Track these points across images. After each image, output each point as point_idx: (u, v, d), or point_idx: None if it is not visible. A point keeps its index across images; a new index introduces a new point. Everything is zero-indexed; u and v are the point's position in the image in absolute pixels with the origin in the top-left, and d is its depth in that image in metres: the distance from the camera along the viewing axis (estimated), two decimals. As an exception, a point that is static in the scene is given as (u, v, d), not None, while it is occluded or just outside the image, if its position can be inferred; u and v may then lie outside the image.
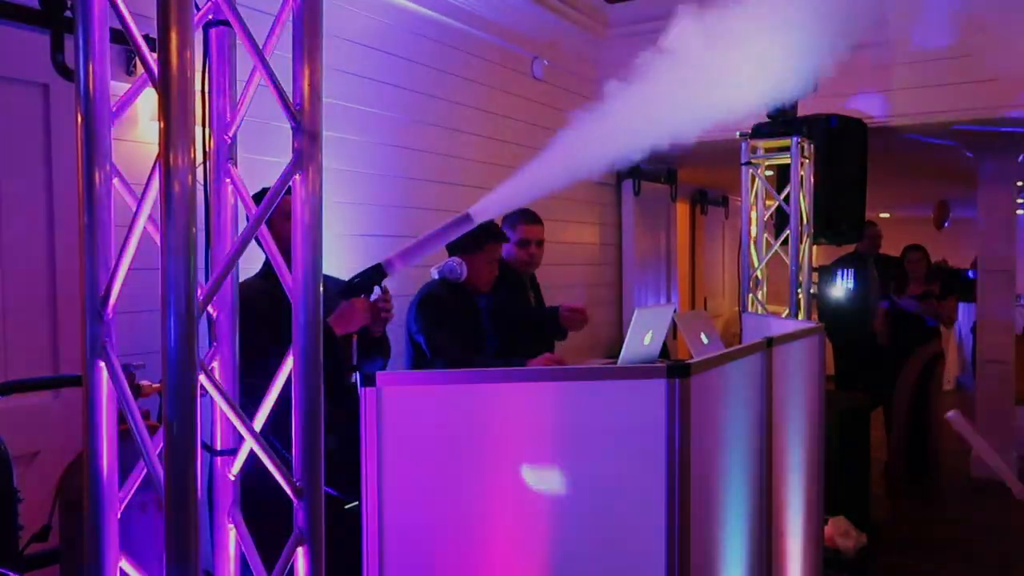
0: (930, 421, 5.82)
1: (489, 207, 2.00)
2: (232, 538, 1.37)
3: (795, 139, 4.26)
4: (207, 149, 1.34)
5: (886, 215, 11.02)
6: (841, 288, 5.89)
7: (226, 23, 1.32)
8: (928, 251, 6.01)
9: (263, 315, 2.07)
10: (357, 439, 1.75)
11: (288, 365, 1.33)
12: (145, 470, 1.25)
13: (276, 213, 2.02)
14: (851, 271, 5.89)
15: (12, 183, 2.60)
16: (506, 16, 4.94)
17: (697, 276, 8.61)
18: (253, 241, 1.30)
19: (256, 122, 2.71)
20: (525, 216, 3.43)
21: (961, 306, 9.52)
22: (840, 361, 5.98)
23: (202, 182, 1.27)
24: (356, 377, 2.24)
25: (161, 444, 1.13)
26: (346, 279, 2.55)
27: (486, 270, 3.09)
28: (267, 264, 2.46)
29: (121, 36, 1.27)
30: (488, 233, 3.07)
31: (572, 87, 5.72)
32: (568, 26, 5.53)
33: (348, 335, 2.31)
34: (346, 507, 2.12)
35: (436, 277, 3.07)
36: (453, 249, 3.06)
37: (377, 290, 2.33)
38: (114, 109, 1.27)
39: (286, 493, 1.30)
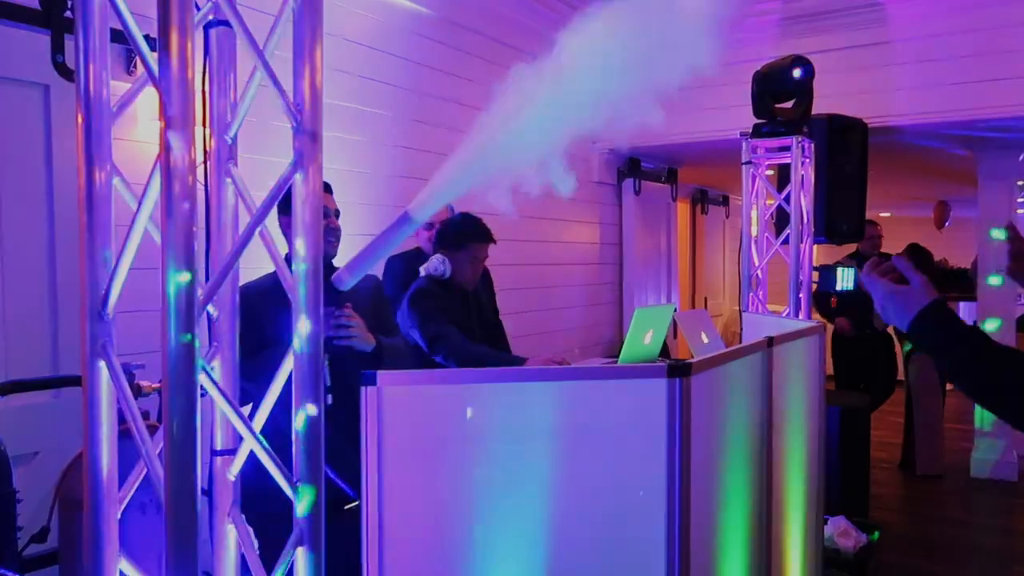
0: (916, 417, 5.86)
1: (428, 202, 1.91)
2: (232, 538, 1.37)
3: (795, 139, 4.26)
4: (207, 149, 1.34)
5: (886, 215, 11.02)
6: (841, 287, 5.88)
7: (226, 23, 1.32)
8: (930, 251, 6.02)
9: (252, 319, 2.06)
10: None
11: (288, 365, 1.33)
12: (145, 470, 1.25)
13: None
14: (852, 271, 5.89)
15: (12, 183, 2.60)
16: (507, 16, 4.94)
17: (697, 276, 8.61)
18: (253, 241, 1.30)
19: (256, 122, 2.71)
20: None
21: (961, 306, 9.54)
22: (840, 361, 5.98)
23: (202, 182, 1.27)
24: (330, 399, 2.22)
25: (161, 444, 1.13)
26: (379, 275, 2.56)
27: (469, 268, 3.13)
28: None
29: (121, 36, 1.27)
30: (470, 233, 3.11)
31: (572, 87, 5.72)
32: (568, 26, 5.52)
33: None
34: (346, 507, 2.12)
35: (423, 275, 3.11)
36: (440, 247, 3.11)
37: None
38: (114, 109, 1.26)
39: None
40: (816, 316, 5.42)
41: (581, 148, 5.81)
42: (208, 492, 1.37)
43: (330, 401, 2.21)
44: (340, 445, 1.89)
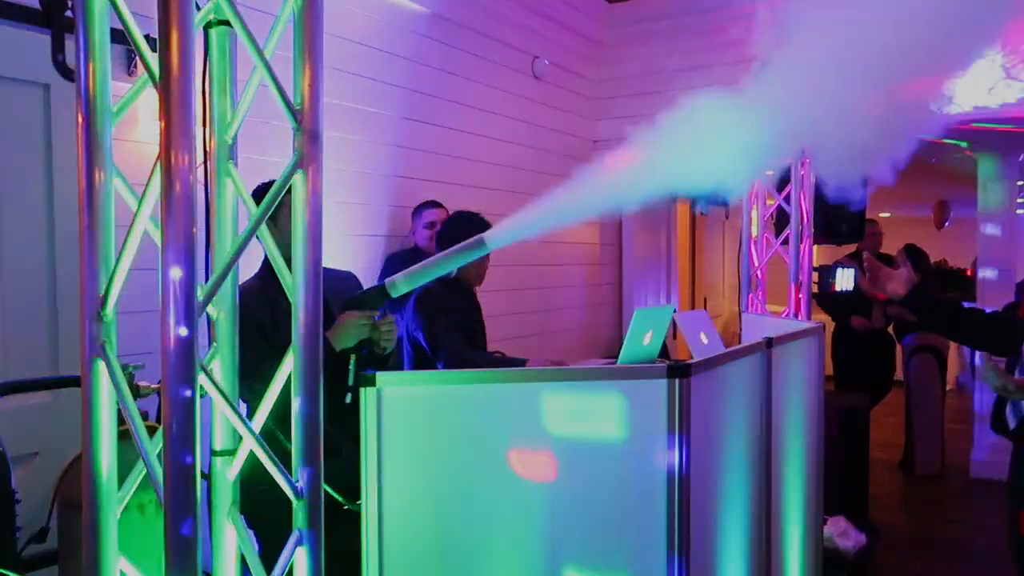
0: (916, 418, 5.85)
1: (504, 234, 1.94)
2: (232, 538, 1.37)
3: (795, 139, 4.26)
4: (207, 149, 1.34)
5: (886, 215, 11.02)
6: (841, 287, 5.88)
7: (226, 23, 1.32)
8: (927, 251, 6.02)
9: (255, 320, 2.06)
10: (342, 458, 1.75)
11: (288, 365, 1.33)
12: (145, 470, 1.25)
13: (284, 211, 2.00)
14: (852, 271, 5.89)
15: (12, 183, 2.60)
16: (507, 15, 4.94)
17: (697, 276, 8.61)
18: (253, 241, 1.30)
19: (256, 122, 2.71)
20: (428, 202, 3.92)
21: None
22: (840, 358, 5.97)
23: (202, 182, 1.27)
24: (349, 397, 2.21)
25: (160, 444, 1.13)
26: (345, 269, 2.56)
27: (475, 265, 3.11)
28: (264, 266, 2.45)
29: (121, 36, 1.27)
30: (473, 228, 3.09)
31: (572, 87, 5.72)
32: (568, 25, 5.53)
33: (345, 354, 2.25)
34: (346, 507, 2.12)
35: None
36: (443, 246, 3.09)
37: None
38: (114, 109, 1.26)
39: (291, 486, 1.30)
40: (819, 316, 5.42)
41: (581, 148, 5.81)
42: (208, 492, 1.37)
43: (349, 400, 2.21)
44: (349, 448, 1.89)
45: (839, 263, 5.93)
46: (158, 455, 1.17)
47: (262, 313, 2.22)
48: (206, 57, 1.34)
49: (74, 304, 1.27)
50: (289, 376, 1.33)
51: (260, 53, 1.27)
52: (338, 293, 2.40)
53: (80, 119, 1.22)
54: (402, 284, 2.03)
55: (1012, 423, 2.29)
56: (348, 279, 2.65)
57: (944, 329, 2.64)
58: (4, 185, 2.57)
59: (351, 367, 2.24)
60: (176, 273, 1.10)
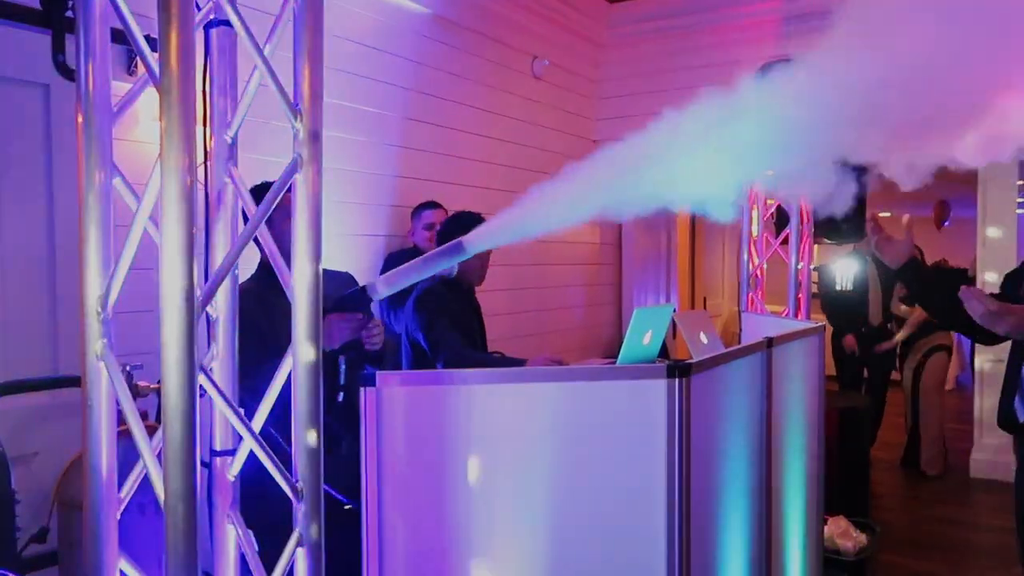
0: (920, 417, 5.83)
1: (485, 237, 1.93)
2: (232, 538, 1.37)
3: (795, 139, 4.26)
4: (207, 149, 1.34)
5: (886, 215, 11.02)
6: (840, 287, 5.88)
7: (227, 23, 1.32)
8: (924, 251, 6.01)
9: (252, 321, 2.06)
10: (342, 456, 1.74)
11: (287, 365, 1.33)
12: (145, 470, 1.25)
13: (277, 211, 2.00)
14: (851, 270, 5.89)
15: (12, 183, 2.60)
16: (506, 15, 4.95)
17: (697, 276, 8.61)
18: (251, 242, 1.30)
19: (256, 122, 2.71)
20: (427, 203, 3.93)
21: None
22: (841, 360, 5.97)
23: (202, 182, 1.27)
24: (341, 396, 2.21)
25: (160, 445, 1.13)
26: (345, 269, 2.55)
27: (476, 264, 3.10)
28: (260, 267, 2.44)
29: (122, 36, 1.27)
30: (472, 227, 3.08)
31: (572, 87, 5.72)
32: (568, 25, 5.54)
33: (334, 354, 2.25)
34: (346, 507, 2.12)
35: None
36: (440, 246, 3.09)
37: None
38: (115, 109, 1.26)
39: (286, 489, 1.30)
40: (819, 316, 5.42)
41: (581, 148, 5.81)
42: (208, 492, 1.37)
43: (341, 399, 2.21)
44: (349, 441, 1.89)
45: (836, 263, 5.94)
46: (158, 455, 1.17)
47: (259, 314, 2.22)
48: (206, 57, 1.34)
49: (74, 304, 1.26)
50: (288, 377, 1.33)
51: (260, 53, 1.27)
52: (334, 294, 2.40)
53: (80, 119, 1.22)
54: (382, 288, 2.03)
55: (1022, 415, 2.27)
56: (346, 280, 2.65)
57: (935, 309, 2.60)
58: (4, 185, 2.58)
59: (342, 367, 2.24)
60: (175, 273, 1.10)
